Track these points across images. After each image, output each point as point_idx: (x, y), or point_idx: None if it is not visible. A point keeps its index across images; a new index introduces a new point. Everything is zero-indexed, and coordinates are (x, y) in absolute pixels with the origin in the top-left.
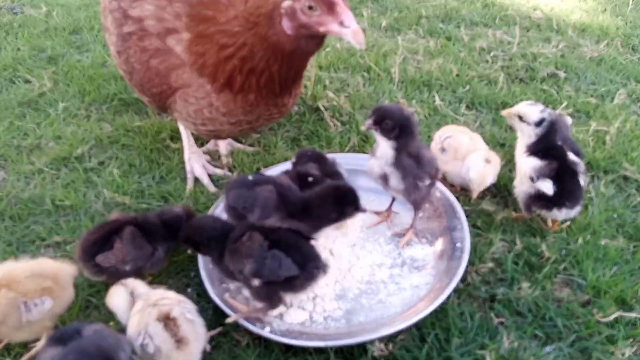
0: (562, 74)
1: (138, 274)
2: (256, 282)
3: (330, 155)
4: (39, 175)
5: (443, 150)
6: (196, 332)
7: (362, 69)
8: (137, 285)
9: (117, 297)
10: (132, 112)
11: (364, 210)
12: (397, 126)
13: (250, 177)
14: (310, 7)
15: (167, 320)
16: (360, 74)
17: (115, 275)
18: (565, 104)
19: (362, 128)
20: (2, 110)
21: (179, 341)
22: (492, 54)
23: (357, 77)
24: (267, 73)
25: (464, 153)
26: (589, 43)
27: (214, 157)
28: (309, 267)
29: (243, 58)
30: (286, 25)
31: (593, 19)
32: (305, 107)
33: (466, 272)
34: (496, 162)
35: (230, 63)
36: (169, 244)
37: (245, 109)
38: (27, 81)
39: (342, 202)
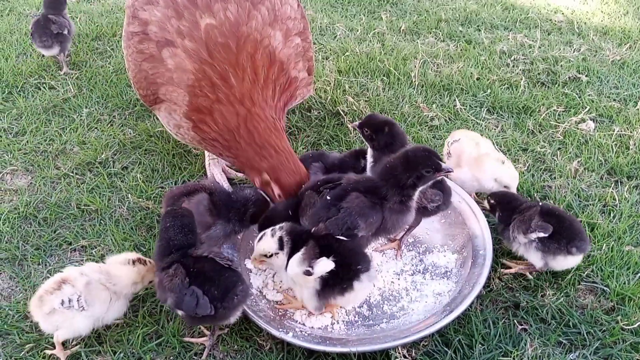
0: (584, 78)
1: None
2: (180, 312)
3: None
4: (65, 180)
5: (449, 155)
6: None
7: (381, 73)
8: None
9: None
10: (154, 117)
11: (448, 170)
12: None
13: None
14: (279, 195)
15: None
16: (379, 78)
17: None
18: (587, 108)
19: None
20: (29, 115)
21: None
22: (512, 57)
23: (376, 81)
24: (228, 158)
25: (467, 160)
26: (611, 46)
27: None
28: (227, 299)
29: (217, 140)
30: (256, 180)
31: (615, 22)
32: (325, 111)
33: (489, 279)
34: (507, 160)
35: (210, 132)
36: (231, 224)
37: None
38: (52, 87)
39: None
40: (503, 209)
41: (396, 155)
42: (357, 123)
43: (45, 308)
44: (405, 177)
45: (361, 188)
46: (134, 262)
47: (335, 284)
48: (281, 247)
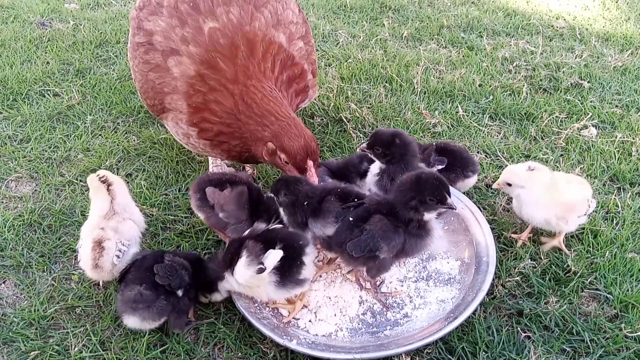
0: (586, 84)
1: (224, 228)
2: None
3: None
4: (69, 187)
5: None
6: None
7: (384, 80)
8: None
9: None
10: (158, 124)
11: (451, 207)
12: None
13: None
14: (286, 162)
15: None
16: (382, 84)
17: (210, 217)
18: (589, 114)
19: None
20: (33, 123)
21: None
22: (515, 63)
23: (379, 88)
24: (235, 149)
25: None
26: (613, 52)
27: (238, 168)
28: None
29: (221, 131)
30: (264, 152)
31: (617, 28)
32: (327, 118)
33: (492, 286)
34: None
35: (212, 127)
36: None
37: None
38: (56, 94)
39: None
40: None
41: (410, 174)
42: (364, 145)
43: (106, 270)
44: (410, 197)
45: (384, 210)
46: (103, 181)
47: (291, 266)
48: None
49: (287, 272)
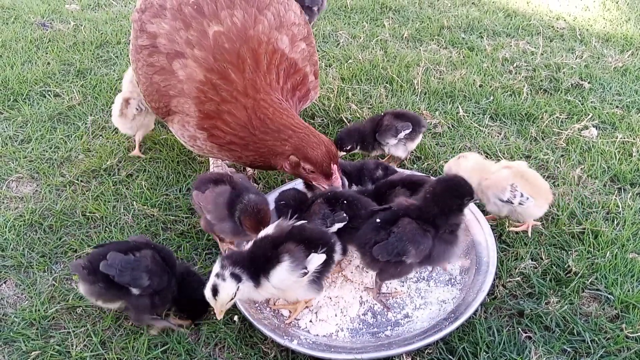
0: (586, 85)
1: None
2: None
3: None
4: (70, 188)
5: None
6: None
7: (384, 81)
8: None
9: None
10: (159, 124)
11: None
12: None
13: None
14: (312, 171)
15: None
16: (382, 85)
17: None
18: (590, 115)
19: None
20: (34, 123)
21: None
22: (515, 64)
23: (379, 88)
24: (248, 158)
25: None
26: (613, 53)
27: (239, 169)
28: None
29: (232, 142)
30: (286, 165)
31: (617, 29)
32: (328, 119)
33: (493, 286)
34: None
35: (224, 136)
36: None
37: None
38: (57, 95)
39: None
40: (362, 139)
41: (439, 185)
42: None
43: (129, 117)
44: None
45: (412, 215)
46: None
47: (325, 265)
48: (239, 280)
49: (322, 270)
